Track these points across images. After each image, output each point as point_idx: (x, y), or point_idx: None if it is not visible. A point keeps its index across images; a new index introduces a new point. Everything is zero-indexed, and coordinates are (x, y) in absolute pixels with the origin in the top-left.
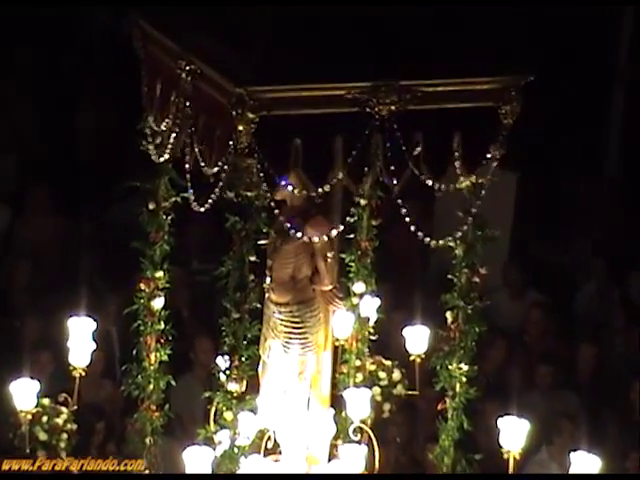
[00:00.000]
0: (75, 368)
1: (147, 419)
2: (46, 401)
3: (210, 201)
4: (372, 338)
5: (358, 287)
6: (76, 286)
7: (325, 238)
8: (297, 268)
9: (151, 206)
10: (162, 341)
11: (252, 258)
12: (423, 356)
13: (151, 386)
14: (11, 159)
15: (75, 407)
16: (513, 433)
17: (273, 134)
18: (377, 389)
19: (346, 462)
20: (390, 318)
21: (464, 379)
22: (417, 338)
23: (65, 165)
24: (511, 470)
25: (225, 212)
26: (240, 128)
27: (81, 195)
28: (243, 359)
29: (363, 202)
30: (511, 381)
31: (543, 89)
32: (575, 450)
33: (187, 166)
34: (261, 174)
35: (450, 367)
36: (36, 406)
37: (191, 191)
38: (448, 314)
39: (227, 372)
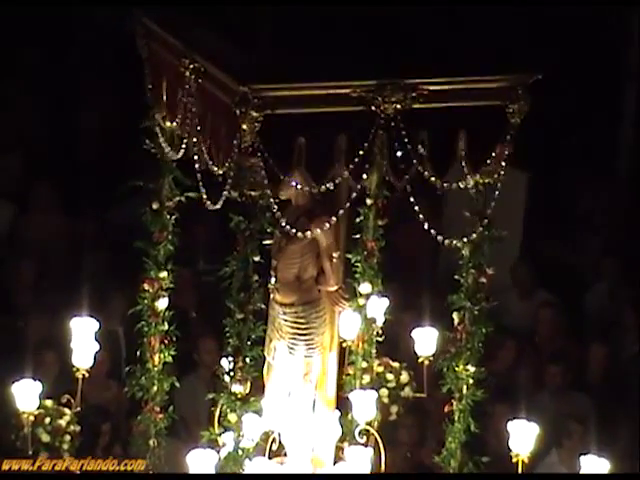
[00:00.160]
0: (78, 369)
1: (151, 421)
2: (49, 402)
3: (222, 199)
4: (379, 339)
5: (364, 288)
6: (82, 286)
7: (327, 230)
8: (302, 268)
9: (155, 206)
10: (166, 342)
11: (256, 258)
12: (431, 358)
13: (155, 387)
14: (16, 158)
15: (78, 408)
16: (522, 437)
17: (277, 133)
18: (384, 391)
19: (352, 464)
20: (399, 319)
21: (471, 381)
22: (425, 340)
23: (69, 164)
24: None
25: (229, 212)
26: (244, 127)
27: (85, 194)
28: (247, 360)
29: (369, 202)
30: (521, 382)
31: (554, 88)
32: (585, 453)
33: (197, 166)
34: (264, 173)
35: (457, 369)
36: (39, 407)
37: (203, 190)
38: (455, 315)
39: (231, 373)
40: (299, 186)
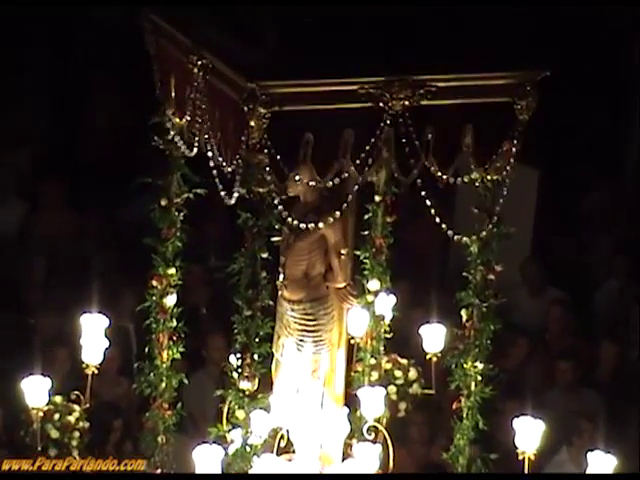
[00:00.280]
0: (88, 365)
1: (159, 417)
2: (58, 399)
3: (235, 195)
4: (387, 336)
5: (373, 284)
6: (92, 283)
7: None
8: (310, 265)
9: (163, 202)
10: (174, 339)
11: (264, 255)
12: (439, 355)
13: (163, 384)
14: (26, 155)
15: (87, 405)
16: (528, 434)
17: (285, 129)
18: (393, 388)
19: (360, 461)
20: (409, 316)
21: (479, 378)
22: (433, 336)
23: (79, 162)
24: (526, 471)
25: (239, 208)
26: (252, 123)
27: (95, 191)
28: (255, 357)
29: (378, 198)
30: (532, 379)
31: (565, 86)
32: (592, 450)
33: (212, 162)
34: (270, 169)
35: (465, 366)
36: (48, 403)
37: (220, 186)
38: (463, 312)
39: (239, 370)
40: (305, 182)
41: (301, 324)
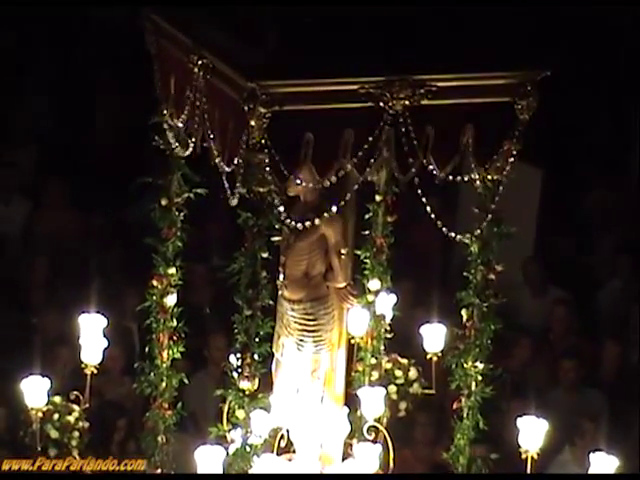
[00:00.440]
0: (87, 365)
1: (159, 417)
2: (57, 399)
3: (237, 195)
4: (388, 336)
5: (373, 284)
6: (96, 283)
7: (336, 227)
8: (311, 265)
9: (163, 202)
10: (175, 338)
11: (264, 255)
12: (440, 354)
13: (163, 384)
14: (28, 154)
15: (87, 405)
16: (531, 433)
17: (285, 129)
18: (393, 387)
19: (360, 461)
20: (411, 315)
21: (479, 377)
22: (434, 336)
23: (82, 161)
24: (529, 470)
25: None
26: (252, 123)
27: (99, 191)
28: (255, 357)
29: (378, 198)
30: (536, 379)
31: (568, 85)
32: (594, 451)
33: (216, 162)
34: (270, 169)
35: (465, 365)
36: (47, 404)
37: (227, 184)
38: (463, 312)
39: (239, 370)
40: (304, 183)
41: (301, 324)
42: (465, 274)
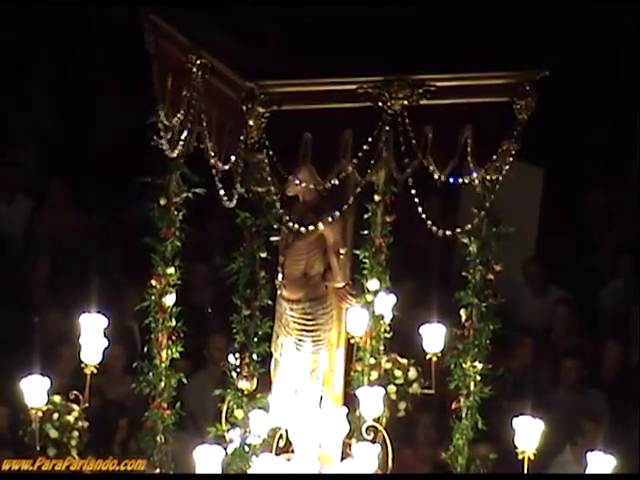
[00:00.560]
0: (87, 365)
1: (158, 417)
2: (57, 398)
3: (235, 196)
4: (387, 336)
5: (372, 284)
6: (98, 282)
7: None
8: (309, 265)
9: (162, 202)
10: (174, 338)
11: (263, 255)
12: (439, 354)
13: (162, 384)
14: (29, 153)
15: (87, 405)
16: (528, 433)
17: (284, 129)
18: (392, 387)
19: (359, 461)
20: (413, 315)
21: (478, 378)
22: (434, 336)
23: (85, 160)
24: (525, 471)
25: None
26: (250, 123)
27: (101, 190)
28: (254, 357)
29: (377, 198)
30: (538, 379)
31: (569, 86)
32: (592, 450)
33: (212, 161)
34: (269, 169)
35: (464, 365)
36: (47, 403)
37: (220, 185)
38: (462, 312)
39: (238, 370)
40: (304, 184)
41: (300, 324)
42: (464, 274)
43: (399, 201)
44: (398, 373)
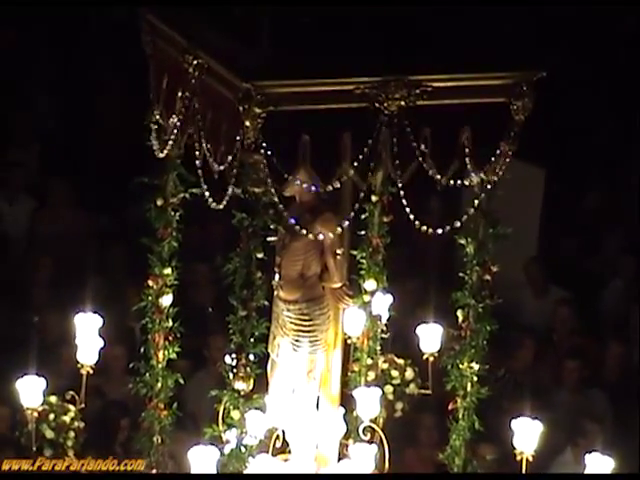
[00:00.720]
0: (83, 365)
1: (155, 417)
2: (53, 399)
3: (226, 198)
4: (384, 336)
5: (369, 284)
6: (98, 282)
7: (334, 235)
8: (306, 265)
9: (159, 202)
10: (170, 339)
11: (259, 255)
12: (436, 354)
13: (159, 384)
14: (31, 153)
15: (83, 405)
16: (526, 434)
17: (280, 130)
18: (389, 388)
19: (356, 462)
20: (414, 315)
21: (475, 378)
22: (430, 336)
23: (87, 160)
24: (524, 472)
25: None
26: (247, 123)
27: (103, 190)
28: (251, 357)
29: (374, 198)
30: (539, 380)
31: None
32: (591, 452)
33: (197, 162)
34: (267, 170)
35: (461, 366)
36: (43, 404)
37: (205, 187)
38: (459, 312)
39: (234, 370)
40: (305, 185)
41: (297, 324)
42: (461, 275)
43: (399, 201)
44: (395, 373)
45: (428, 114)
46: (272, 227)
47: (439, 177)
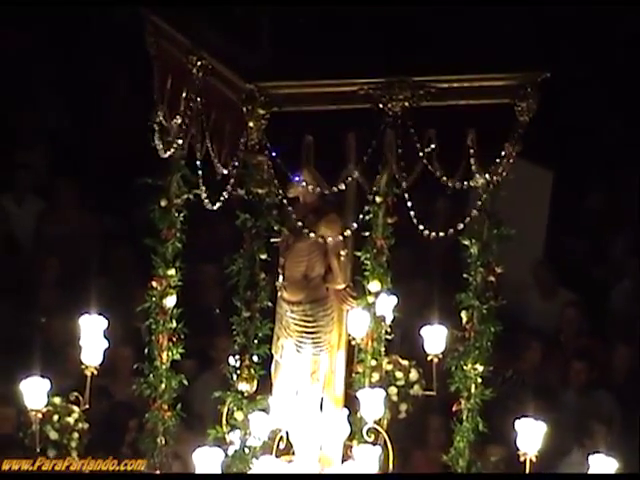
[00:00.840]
0: (87, 367)
1: (159, 419)
2: (57, 400)
3: (222, 199)
4: (388, 337)
5: (373, 286)
6: (106, 283)
7: (340, 238)
8: (310, 266)
9: (163, 203)
10: (174, 340)
11: (263, 256)
12: (440, 356)
13: (163, 385)
14: (42, 154)
15: (87, 406)
16: (530, 435)
17: (284, 131)
18: (393, 389)
19: (360, 463)
20: (422, 316)
21: (479, 380)
22: (435, 338)
23: (95, 161)
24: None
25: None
26: (250, 124)
27: (111, 191)
28: (254, 359)
29: (379, 199)
30: (547, 381)
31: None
32: (594, 453)
33: (198, 163)
34: (272, 171)
35: (465, 368)
36: (47, 405)
37: (203, 188)
38: (463, 314)
39: (238, 372)
40: (309, 187)
41: (300, 325)
42: (465, 276)
43: (404, 202)
44: (399, 375)
45: (433, 115)
46: (276, 228)
47: (444, 178)
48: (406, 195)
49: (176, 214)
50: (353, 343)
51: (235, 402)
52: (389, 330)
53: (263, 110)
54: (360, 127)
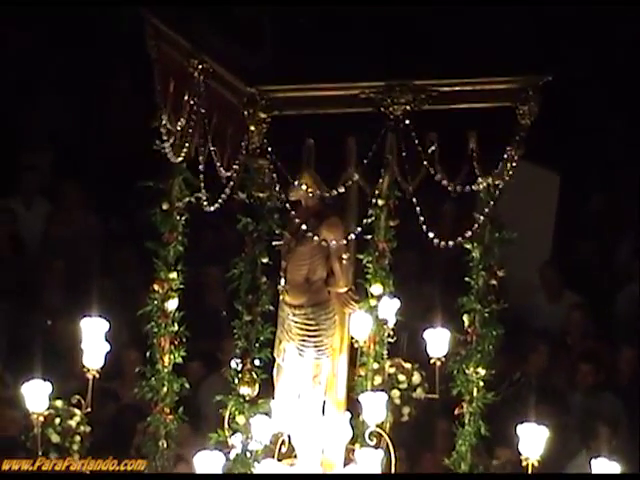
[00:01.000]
0: (89, 369)
1: (160, 422)
2: (59, 403)
3: (220, 201)
4: (390, 340)
5: (375, 289)
6: (112, 286)
7: (342, 241)
8: (312, 270)
9: (164, 206)
10: (176, 343)
11: (264, 260)
12: (444, 359)
13: (165, 389)
14: (48, 156)
15: (89, 409)
16: (531, 440)
17: (285, 134)
18: (396, 392)
19: (362, 467)
20: (426, 319)
21: (481, 383)
22: (438, 341)
23: (100, 163)
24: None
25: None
26: (252, 128)
27: (116, 193)
28: (256, 362)
29: (380, 202)
30: (554, 383)
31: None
32: (597, 456)
33: (201, 167)
34: (273, 175)
35: (467, 371)
36: (49, 408)
37: (204, 191)
38: (465, 317)
39: (239, 375)
40: (310, 190)
41: (302, 329)
42: (467, 279)
43: (407, 206)
44: (402, 378)
45: (434, 118)
46: (277, 232)
47: (447, 182)
48: (414, 200)
49: (178, 217)
50: (355, 346)
51: (237, 406)
52: (391, 333)
53: (264, 114)
54: (361, 131)
